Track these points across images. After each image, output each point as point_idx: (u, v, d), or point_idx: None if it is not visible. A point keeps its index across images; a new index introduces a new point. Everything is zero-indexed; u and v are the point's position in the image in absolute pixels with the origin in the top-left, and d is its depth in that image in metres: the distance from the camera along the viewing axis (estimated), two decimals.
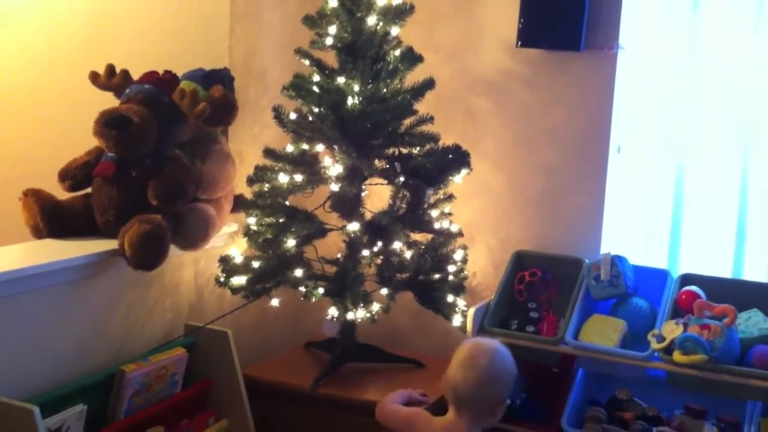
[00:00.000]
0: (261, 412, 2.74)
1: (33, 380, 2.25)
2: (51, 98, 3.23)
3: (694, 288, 2.72)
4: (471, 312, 2.73)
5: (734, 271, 2.89)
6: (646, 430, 2.57)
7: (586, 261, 2.89)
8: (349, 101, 2.67)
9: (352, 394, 2.73)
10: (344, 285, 2.71)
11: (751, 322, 2.61)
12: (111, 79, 2.66)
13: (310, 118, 2.75)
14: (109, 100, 2.65)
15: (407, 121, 2.78)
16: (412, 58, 2.76)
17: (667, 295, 2.76)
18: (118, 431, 2.32)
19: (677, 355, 2.47)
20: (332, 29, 2.71)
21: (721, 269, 2.89)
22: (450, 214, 2.91)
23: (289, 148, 2.78)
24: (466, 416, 2.24)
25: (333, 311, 2.72)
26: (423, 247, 2.83)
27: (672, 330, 2.54)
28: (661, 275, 2.87)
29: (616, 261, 2.79)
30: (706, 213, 2.93)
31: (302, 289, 2.72)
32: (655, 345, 2.55)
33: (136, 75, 2.69)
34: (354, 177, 2.71)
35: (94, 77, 2.66)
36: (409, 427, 2.37)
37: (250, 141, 3.06)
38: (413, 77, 2.78)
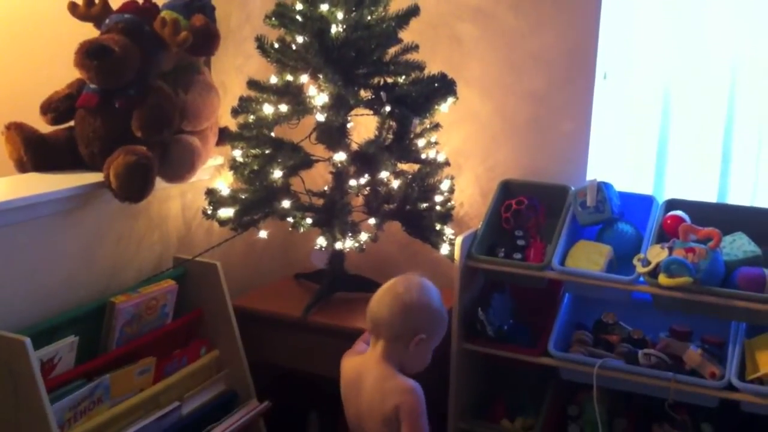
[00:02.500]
0: (251, 341, 2.77)
1: (24, 312, 2.26)
2: (30, 30, 3.17)
3: (679, 213, 2.74)
4: (458, 240, 2.74)
5: (719, 196, 2.90)
6: (632, 352, 2.60)
7: (572, 188, 2.90)
8: (333, 29, 2.64)
9: (341, 321, 2.76)
10: (332, 215, 2.72)
11: (735, 245, 2.64)
12: (90, 9, 2.61)
13: (294, 47, 2.72)
14: (89, 31, 2.61)
15: (392, 50, 2.75)
16: None
17: (653, 220, 2.78)
18: (110, 361, 2.34)
19: (662, 278, 2.50)
20: None
21: (707, 194, 2.91)
22: (437, 143, 2.90)
23: (273, 79, 2.76)
24: (380, 346, 2.19)
25: (321, 241, 2.73)
26: (410, 176, 2.84)
27: (657, 254, 2.57)
28: (646, 201, 2.88)
29: (602, 187, 2.80)
30: (692, 139, 2.93)
31: (290, 219, 2.72)
32: (640, 269, 2.57)
33: (115, 5, 2.64)
34: (339, 107, 2.69)
35: (73, 7, 2.61)
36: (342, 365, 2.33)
37: (233, 72, 3.02)
38: (397, 4, 2.74)
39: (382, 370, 2.17)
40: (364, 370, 2.21)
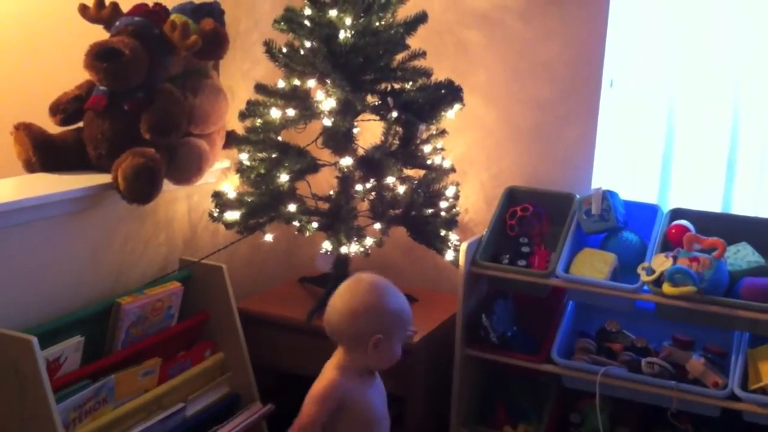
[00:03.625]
0: (256, 344, 2.78)
1: (30, 312, 2.27)
2: (40, 32, 3.19)
3: (683, 222, 2.75)
4: (463, 246, 2.75)
5: (724, 206, 2.91)
6: (635, 360, 2.61)
7: (578, 196, 2.90)
8: (341, 35, 2.65)
9: None
10: (337, 219, 2.73)
11: (739, 255, 2.64)
12: (100, 12, 2.62)
13: (302, 52, 2.74)
14: (99, 34, 2.62)
15: (399, 56, 2.77)
16: None
17: (657, 229, 2.78)
18: (115, 362, 2.35)
19: (666, 287, 2.50)
20: None
21: (711, 204, 2.91)
22: (442, 149, 2.91)
23: (281, 84, 2.77)
24: (339, 352, 2.18)
25: (327, 245, 2.74)
26: (416, 182, 2.85)
27: (662, 263, 2.57)
28: (651, 210, 2.89)
29: (607, 195, 2.81)
30: (697, 148, 2.94)
31: (296, 223, 2.73)
32: (644, 277, 2.58)
33: (125, 8, 2.66)
34: (346, 111, 2.70)
35: (84, 10, 2.63)
36: None
37: (240, 76, 3.04)
38: (405, 11, 2.76)
39: (324, 369, 2.16)
40: (348, 386, 2.14)
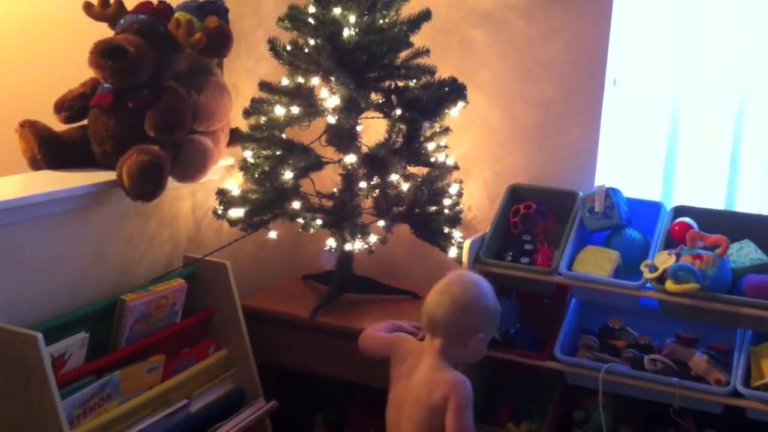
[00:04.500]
0: (259, 341, 2.79)
1: (35, 309, 2.28)
2: (45, 30, 3.20)
3: (687, 219, 2.75)
4: (467, 244, 2.75)
5: (727, 203, 2.91)
6: (638, 357, 2.61)
7: (581, 193, 2.90)
8: (345, 32, 2.66)
9: (349, 323, 2.78)
10: (342, 217, 2.74)
11: (742, 252, 2.64)
12: (105, 9, 2.63)
13: (306, 50, 2.74)
14: (104, 31, 2.63)
15: (403, 54, 2.77)
16: None
17: (661, 226, 2.79)
18: (120, 358, 2.36)
19: (669, 284, 2.51)
20: None
21: (714, 201, 2.92)
22: (446, 147, 2.92)
23: (285, 81, 2.78)
24: (437, 342, 2.28)
25: (331, 242, 2.75)
26: (419, 180, 2.85)
27: (665, 260, 2.57)
28: (654, 207, 2.89)
29: (611, 193, 2.81)
30: (700, 146, 2.94)
31: (300, 220, 2.74)
32: (647, 274, 2.58)
33: (130, 5, 2.67)
34: (350, 109, 2.71)
35: (88, 7, 2.63)
36: (391, 346, 2.42)
37: (245, 74, 3.05)
38: (409, 9, 2.76)
39: (435, 363, 2.26)
40: (420, 359, 2.29)
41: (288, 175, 2.70)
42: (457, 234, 2.91)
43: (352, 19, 2.65)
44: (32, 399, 2.10)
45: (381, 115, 2.79)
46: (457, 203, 2.96)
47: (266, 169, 2.74)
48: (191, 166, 2.61)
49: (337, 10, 2.67)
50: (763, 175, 2.88)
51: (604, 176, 3.02)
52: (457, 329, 2.26)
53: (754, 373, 2.50)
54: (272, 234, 2.83)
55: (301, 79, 2.76)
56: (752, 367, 2.52)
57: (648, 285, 2.59)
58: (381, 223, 2.81)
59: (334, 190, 2.87)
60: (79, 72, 2.60)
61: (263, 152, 2.76)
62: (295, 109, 2.72)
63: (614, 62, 2.98)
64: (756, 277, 2.54)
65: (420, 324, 2.40)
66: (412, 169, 2.86)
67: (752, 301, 2.46)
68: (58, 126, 2.63)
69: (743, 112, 2.86)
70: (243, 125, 2.83)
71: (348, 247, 2.75)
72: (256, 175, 2.77)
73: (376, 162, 2.74)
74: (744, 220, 2.78)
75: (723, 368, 2.52)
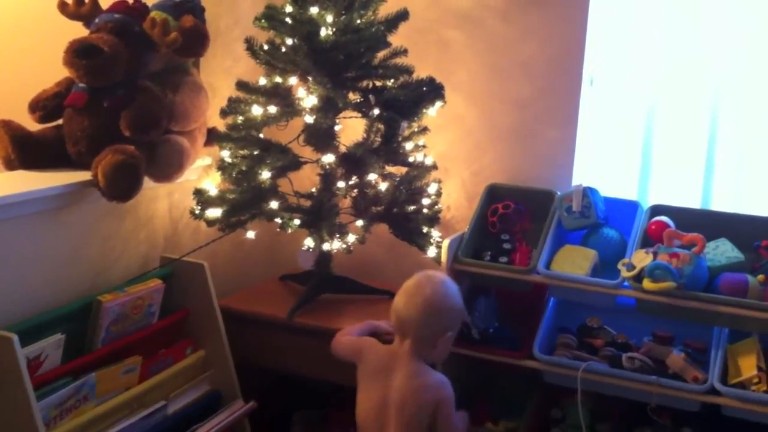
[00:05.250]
0: (237, 341, 2.77)
1: (10, 310, 2.26)
2: (19, 29, 3.17)
3: (663, 218, 2.76)
4: (445, 243, 2.76)
5: (703, 202, 2.93)
6: (615, 356, 2.62)
7: (558, 193, 2.92)
8: (323, 32, 2.65)
9: (327, 323, 2.77)
10: (320, 216, 2.73)
11: (719, 251, 2.66)
12: (80, 8, 2.61)
13: (284, 50, 2.73)
14: (79, 30, 2.61)
15: (381, 54, 2.77)
16: None
17: (638, 225, 2.80)
18: (96, 360, 2.34)
19: (647, 283, 2.52)
20: None
21: (691, 200, 2.93)
22: (424, 146, 2.92)
23: (262, 81, 2.77)
24: (408, 344, 2.32)
25: (309, 242, 2.74)
26: (398, 179, 2.85)
27: (642, 258, 2.59)
28: (631, 206, 2.91)
29: (588, 192, 2.82)
30: (676, 145, 2.96)
31: (278, 220, 2.73)
32: (625, 273, 2.59)
33: (105, 4, 2.65)
34: (328, 109, 2.70)
35: (63, 6, 2.61)
36: (358, 353, 2.44)
37: (222, 73, 3.03)
38: (387, 8, 2.76)
39: (414, 367, 2.31)
40: (395, 364, 2.33)
41: (266, 174, 2.69)
42: (435, 233, 2.91)
43: (329, 18, 2.65)
44: (8, 401, 2.08)
45: (359, 115, 2.78)
46: (435, 203, 2.96)
47: (244, 168, 2.73)
48: (167, 166, 2.59)
49: (314, 10, 2.66)
50: (738, 173, 2.90)
51: (582, 176, 3.03)
52: (429, 330, 2.30)
53: (731, 371, 2.52)
54: (250, 234, 2.82)
55: (278, 79, 2.75)
56: (729, 365, 2.54)
57: (625, 284, 2.60)
58: (359, 222, 2.80)
59: (313, 189, 2.86)
60: (54, 71, 2.57)
61: (241, 152, 2.75)
62: (272, 109, 2.71)
63: (591, 62, 2.99)
64: (732, 276, 2.56)
65: None
66: (390, 169, 2.86)
67: (728, 299, 2.48)
68: (32, 126, 2.60)
69: (718, 111, 2.88)
70: (220, 125, 2.82)
71: (326, 246, 2.74)
72: (234, 175, 2.75)
73: (355, 161, 2.74)
74: (720, 218, 2.80)
75: (700, 366, 2.54)
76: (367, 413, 2.35)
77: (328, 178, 2.79)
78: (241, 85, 2.75)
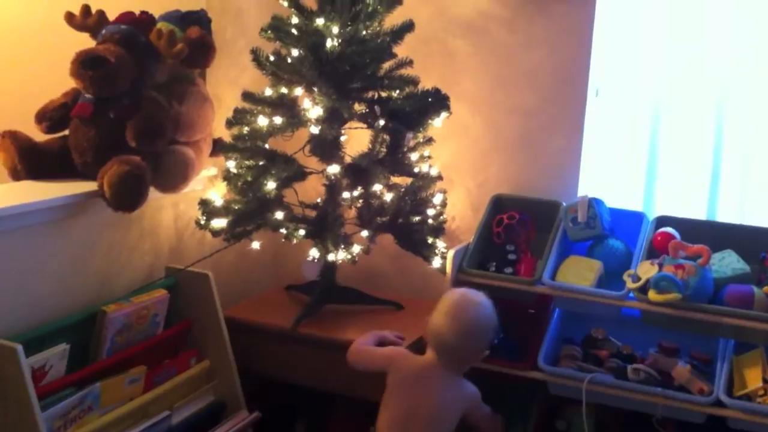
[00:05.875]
0: (242, 352, 2.77)
1: (15, 320, 2.26)
2: (26, 40, 3.19)
3: (669, 229, 2.76)
4: (450, 254, 2.76)
5: (709, 213, 2.93)
6: (621, 367, 2.62)
7: (564, 203, 2.92)
8: (328, 43, 2.66)
9: (332, 334, 2.77)
10: (324, 227, 2.73)
11: (724, 262, 2.66)
12: (87, 20, 2.62)
13: (289, 60, 2.74)
14: (86, 41, 2.62)
15: (386, 65, 2.77)
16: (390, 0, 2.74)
17: (643, 237, 2.80)
18: (100, 370, 2.34)
19: (652, 294, 2.52)
20: None
21: (696, 212, 2.93)
22: (429, 157, 2.92)
23: (268, 92, 2.77)
24: (444, 363, 2.39)
25: (314, 252, 2.75)
26: (403, 190, 2.85)
27: (647, 270, 2.58)
28: (637, 217, 2.90)
29: (593, 203, 2.82)
30: (682, 156, 2.96)
31: (283, 231, 2.73)
32: (630, 284, 2.59)
33: (112, 16, 2.66)
34: (333, 120, 2.70)
35: (70, 18, 2.62)
36: (389, 362, 2.46)
37: (227, 84, 3.04)
38: (392, 19, 2.77)
39: (450, 379, 2.42)
40: (429, 374, 2.41)
41: (271, 185, 2.69)
42: (440, 244, 2.91)
43: (335, 29, 2.65)
44: (12, 411, 2.08)
45: (364, 126, 2.79)
46: (440, 213, 2.96)
47: (249, 179, 2.73)
48: (173, 176, 2.60)
49: (320, 21, 2.67)
50: (744, 185, 2.89)
51: (587, 186, 3.03)
52: (469, 352, 2.40)
53: (736, 383, 2.51)
54: (255, 244, 2.82)
55: (284, 90, 2.75)
56: (735, 377, 2.53)
57: (630, 295, 2.60)
58: (364, 233, 2.80)
59: (318, 200, 2.87)
60: (60, 82, 2.58)
61: (246, 162, 2.76)
62: (278, 120, 2.71)
63: (596, 73, 2.99)
64: (737, 287, 2.55)
65: (402, 334, 2.55)
66: (395, 180, 2.86)
67: (734, 311, 2.47)
68: (39, 136, 2.62)
69: (724, 122, 2.88)
70: (226, 135, 2.82)
71: (331, 257, 2.75)
72: (239, 186, 2.76)
73: (360, 172, 2.74)
74: (726, 230, 2.79)
75: (705, 378, 2.53)
76: (394, 421, 2.39)
77: (333, 188, 2.80)
78: (247, 96, 2.76)
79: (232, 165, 2.78)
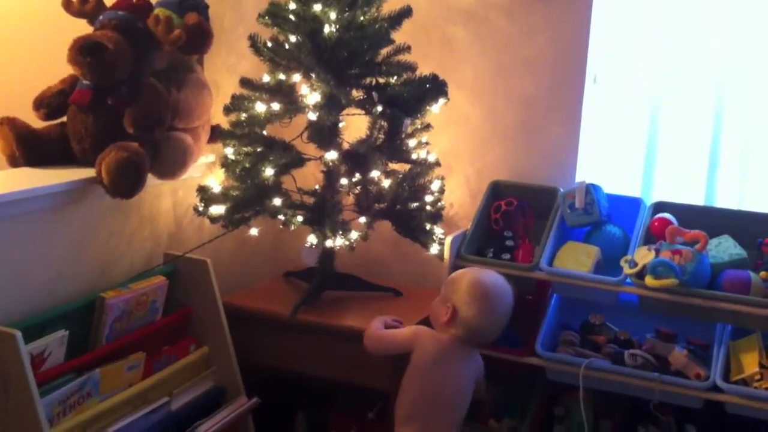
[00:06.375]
0: (241, 338, 2.78)
1: (14, 307, 2.26)
2: (23, 26, 3.18)
3: (666, 215, 2.76)
4: (448, 240, 2.76)
5: (706, 199, 2.93)
6: (618, 353, 2.63)
7: (561, 190, 2.92)
8: (326, 29, 2.65)
9: (331, 320, 2.78)
10: (323, 213, 2.74)
11: (721, 248, 2.66)
12: (84, 6, 2.60)
13: (287, 47, 2.74)
14: (83, 28, 2.62)
15: (384, 51, 2.76)
16: None
17: (640, 222, 2.80)
18: (100, 356, 2.35)
19: (649, 280, 2.52)
20: None
21: (694, 197, 2.93)
22: (427, 143, 2.92)
23: (266, 78, 2.77)
24: (467, 341, 2.48)
25: (312, 239, 2.75)
26: (401, 176, 2.86)
27: (644, 255, 2.59)
28: (634, 203, 2.91)
29: (591, 189, 2.82)
30: (680, 142, 2.96)
31: (281, 217, 2.73)
32: (627, 270, 2.60)
33: (109, 2, 2.65)
34: (331, 106, 2.70)
35: (67, 4, 2.61)
36: (416, 340, 2.51)
37: (225, 71, 3.04)
38: (390, 6, 2.76)
39: (468, 353, 2.51)
40: (452, 352, 2.47)
41: (269, 171, 2.69)
42: (438, 230, 2.92)
43: (332, 15, 2.65)
44: (11, 397, 2.08)
45: (362, 112, 2.79)
46: (438, 200, 2.96)
47: (247, 166, 2.74)
48: (171, 163, 2.60)
49: (317, 7, 2.66)
50: (742, 170, 2.90)
51: (585, 173, 3.03)
52: (495, 335, 2.53)
53: (733, 368, 2.52)
54: (253, 231, 2.83)
55: (282, 76, 2.75)
56: (731, 362, 2.54)
57: (628, 281, 2.61)
58: (362, 219, 2.81)
59: (316, 186, 2.87)
60: (58, 69, 2.58)
61: (244, 149, 2.75)
62: (276, 106, 2.71)
63: (594, 59, 2.99)
64: (734, 272, 2.56)
65: (400, 318, 2.64)
66: (393, 166, 2.86)
67: (731, 296, 2.48)
68: (37, 123, 2.61)
69: (722, 108, 2.88)
70: (224, 122, 2.82)
71: (329, 243, 2.75)
72: (237, 172, 2.76)
73: (358, 159, 2.74)
74: (723, 215, 2.80)
75: (702, 363, 2.54)
76: (418, 398, 2.45)
77: (331, 175, 2.80)
78: (245, 83, 2.75)
79: (230, 152, 2.78)
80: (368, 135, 2.73)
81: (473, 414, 2.62)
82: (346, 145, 2.79)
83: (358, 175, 2.76)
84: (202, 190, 2.79)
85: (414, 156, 2.86)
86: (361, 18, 2.70)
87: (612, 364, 2.60)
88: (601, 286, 2.64)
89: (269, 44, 2.75)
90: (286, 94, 2.73)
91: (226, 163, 2.79)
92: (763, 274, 2.54)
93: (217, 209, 2.76)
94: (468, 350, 2.50)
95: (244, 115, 2.74)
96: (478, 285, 2.45)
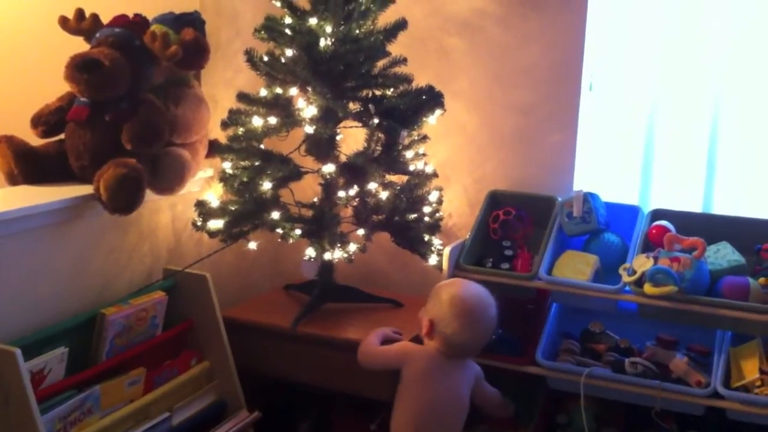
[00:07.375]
0: (241, 351, 2.78)
1: (13, 324, 2.27)
2: (21, 44, 3.19)
3: (664, 222, 2.77)
4: (447, 251, 2.77)
5: (704, 206, 2.94)
6: (618, 361, 2.63)
7: (559, 199, 2.93)
8: (322, 42, 2.67)
9: (331, 332, 2.77)
10: (321, 226, 2.74)
11: (720, 255, 2.67)
12: (80, 23, 2.63)
13: (283, 61, 2.75)
14: (80, 45, 2.63)
15: (380, 63, 2.77)
16: None
17: (638, 230, 2.81)
18: (100, 372, 2.35)
19: (648, 287, 2.53)
20: None
21: (692, 204, 2.94)
22: (425, 155, 2.93)
23: (263, 92, 2.78)
24: (450, 356, 2.48)
25: (311, 252, 2.75)
26: (398, 188, 2.86)
27: (643, 263, 2.59)
28: (632, 211, 2.91)
29: (589, 198, 2.83)
30: (677, 150, 2.97)
31: (280, 230, 2.74)
32: (626, 278, 2.60)
33: (105, 19, 2.67)
34: (328, 119, 2.71)
35: (64, 21, 2.63)
36: (404, 357, 2.52)
37: (222, 85, 3.05)
38: (385, 18, 2.77)
39: (458, 363, 2.51)
40: (440, 364, 2.48)
41: (267, 185, 2.70)
42: (437, 241, 2.92)
43: (328, 29, 2.66)
44: (12, 414, 2.09)
45: (359, 124, 2.79)
46: (436, 210, 2.97)
47: (245, 179, 2.74)
48: (169, 178, 2.61)
49: (313, 21, 2.68)
50: (739, 177, 2.90)
51: (582, 181, 3.04)
52: (478, 349, 2.55)
53: (734, 374, 2.52)
54: (252, 245, 2.83)
55: (278, 90, 2.76)
56: (732, 368, 2.54)
57: (627, 288, 2.61)
58: (360, 231, 2.81)
59: (314, 199, 2.87)
60: (55, 86, 2.59)
61: (242, 163, 2.76)
62: (273, 120, 2.72)
63: (590, 67, 3.00)
64: (733, 279, 2.56)
65: (400, 330, 2.64)
66: (391, 178, 2.87)
67: (730, 302, 2.48)
68: (35, 141, 2.62)
69: (719, 115, 2.89)
70: (221, 136, 2.83)
71: (328, 256, 2.76)
72: (235, 186, 2.76)
73: (355, 171, 2.75)
74: (721, 222, 2.80)
75: (703, 370, 2.54)
76: (415, 415, 2.45)
77: (329, 187, 2.81)
78: (242, 97, 2.76)
79: (228, 166, 2.78)
80: (365, 147, 2.74)
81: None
82: (343, 158, 2.80)
83: (356, 188, 2.76)
84: (201, 205, 2.80)
85: (411, 167, 2.87)
86: (357, 31, 2.71)
87: (613, 372, 2.60)
88: (600, 294, 2.65)
89: (266, 58, 2.76)
90: (283, 107, 2.74)
91: (224, 178, 2.80)
92: (762, 280, 2.54)
93: (216, 223, 2.76)
94: (457, 359, 2.51)
95: (241, 129, 2.75)
96: (458, 300, 2.46)
